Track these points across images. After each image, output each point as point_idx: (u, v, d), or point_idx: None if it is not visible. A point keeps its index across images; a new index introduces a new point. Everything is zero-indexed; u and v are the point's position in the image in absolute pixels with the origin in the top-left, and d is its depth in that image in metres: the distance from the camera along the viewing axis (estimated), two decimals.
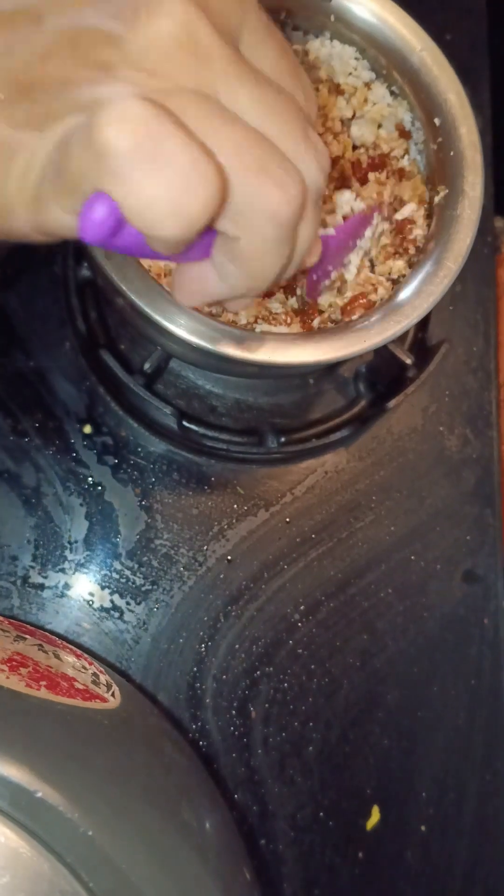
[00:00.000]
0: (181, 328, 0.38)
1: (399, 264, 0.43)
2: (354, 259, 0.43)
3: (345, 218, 0.42)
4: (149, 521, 0.51)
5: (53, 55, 0.24)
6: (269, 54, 0.27)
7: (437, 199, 0.41)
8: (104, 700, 0.32)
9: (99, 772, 0.29)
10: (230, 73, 0.25)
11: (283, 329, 0.42)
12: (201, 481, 0.51)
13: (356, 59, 0.44)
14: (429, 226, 0.42)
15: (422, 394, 0.54)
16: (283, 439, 0.52)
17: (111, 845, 0.29)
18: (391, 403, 0.50)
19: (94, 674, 0.34)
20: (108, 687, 0.34)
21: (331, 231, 0.40)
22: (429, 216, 0.43)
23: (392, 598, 0.52)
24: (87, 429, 0.51)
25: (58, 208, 0.25)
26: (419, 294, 0.40)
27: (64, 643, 0.37)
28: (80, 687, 0.31)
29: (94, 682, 0.33)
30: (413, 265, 0.41)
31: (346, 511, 0.53)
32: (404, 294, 0.39)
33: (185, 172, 0.23)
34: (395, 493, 0.54)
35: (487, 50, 0.59)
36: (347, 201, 0.42)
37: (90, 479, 0.50)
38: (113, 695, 0.33)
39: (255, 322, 0.42)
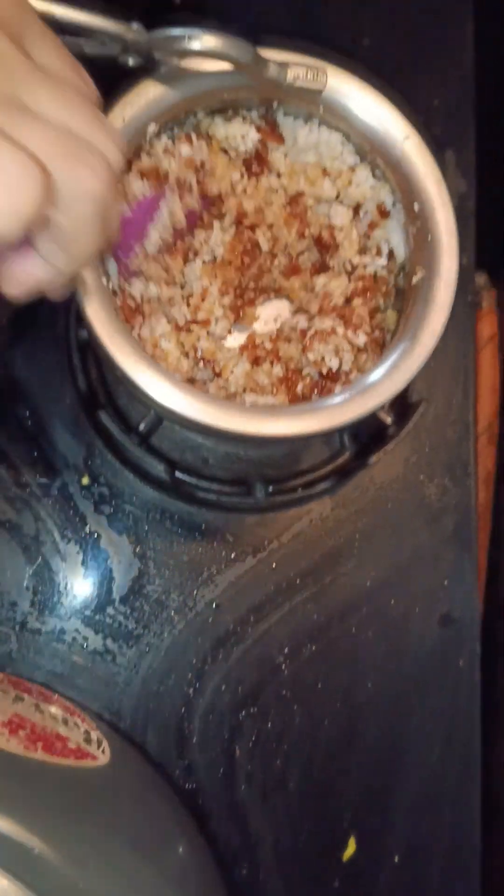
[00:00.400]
0: (169, 399, 0.41)
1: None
2: (153, 233, 0.46)
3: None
4: (142, 567, 0.54)
5: None
6: (49, 53, 0.31)
7: (414, 279, 0.44)
8: (94, 758, 0.35)
9: (90, 827, 0.33)
10: (29, 78, 0.28)
11: (269, 399, 0.45)
12: (192, 529, 0.55)
13: (342, 143, 0.47)
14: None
15: (403, 445, 0.58)
16: (271, 489, 0.55)
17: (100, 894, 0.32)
18: (372, 459, 0.53)
19: (86, 731, 0.38)
20: (99, 744, 0.37)
21: (127, 211, 0.45)
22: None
23: (372, 641, 0.55)
24: (85, 480, 0.54)
25: None
26: (395, 369, 0.43)
27: (59, 698, 0.41)
28: (73, 747, 0.35)
29: (85, 740, 0.36)
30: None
31: (330, 557, 0.56)
32: (378, 373, 0.43)
33: (14, 173, 0.26)
34: (376, 540, 0.57)
35: (474, 115, 0.62)
36: (139, 188, 0.45)
37: (87, 527, 0.54)
38: (103, 751, 0.36)
39: (245, 392, 0.45)
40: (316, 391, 0.46)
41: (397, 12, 0.62)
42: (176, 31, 0.37)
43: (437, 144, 0.61)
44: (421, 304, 0.43)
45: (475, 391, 0.59)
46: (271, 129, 0.47)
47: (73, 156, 0.28)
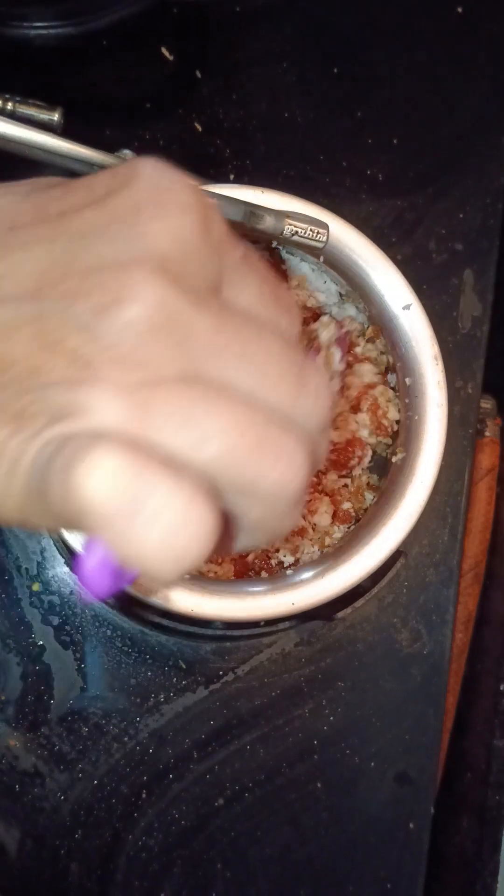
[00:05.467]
0: None
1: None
2: None
3: None
4: (84, 687, 0.52)
5: (18, 331, 0.24)
6: (251, 289, 0.27)
7: (394, 459, 0.42)
8: None
9: None
10: (215, 343, 0.24)
11: (212, 567, 0.43)
12: (143, 651, 0.53)
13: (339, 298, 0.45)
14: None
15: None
16: None
17: None
18: (339, 614, 0.51)
19: None
20: None
21: None
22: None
23: (320, 793, 0.54)
24: (36, 586, 0.52)
25: (43, 523, 0.25)
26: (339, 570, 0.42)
27: None
28: None
29: None
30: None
31: (286, 697, 0.54)
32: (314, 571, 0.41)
33: (178, 519, 0.23)
34: (338, 683, 0.55)
35: (499, 234, 0.60)
36: None
37: (31, 638, 0.52)
38: None
39: None
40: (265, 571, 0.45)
41: (432, 115, 0.60)
42: None
43: (456, 262, 0.59)
44: (396, 489, 0.41)
45: (464, 532, 0.57)
46: (276, 265, 0.45)
47: (258, 445, 0.24)
